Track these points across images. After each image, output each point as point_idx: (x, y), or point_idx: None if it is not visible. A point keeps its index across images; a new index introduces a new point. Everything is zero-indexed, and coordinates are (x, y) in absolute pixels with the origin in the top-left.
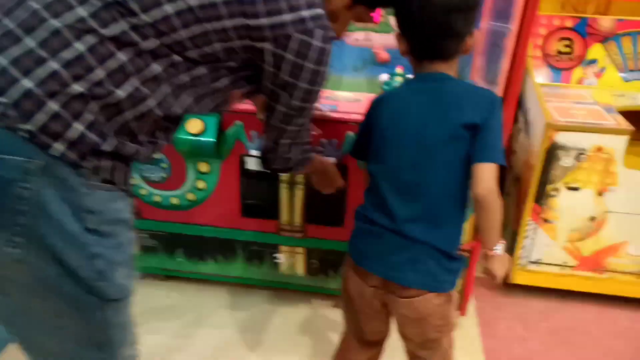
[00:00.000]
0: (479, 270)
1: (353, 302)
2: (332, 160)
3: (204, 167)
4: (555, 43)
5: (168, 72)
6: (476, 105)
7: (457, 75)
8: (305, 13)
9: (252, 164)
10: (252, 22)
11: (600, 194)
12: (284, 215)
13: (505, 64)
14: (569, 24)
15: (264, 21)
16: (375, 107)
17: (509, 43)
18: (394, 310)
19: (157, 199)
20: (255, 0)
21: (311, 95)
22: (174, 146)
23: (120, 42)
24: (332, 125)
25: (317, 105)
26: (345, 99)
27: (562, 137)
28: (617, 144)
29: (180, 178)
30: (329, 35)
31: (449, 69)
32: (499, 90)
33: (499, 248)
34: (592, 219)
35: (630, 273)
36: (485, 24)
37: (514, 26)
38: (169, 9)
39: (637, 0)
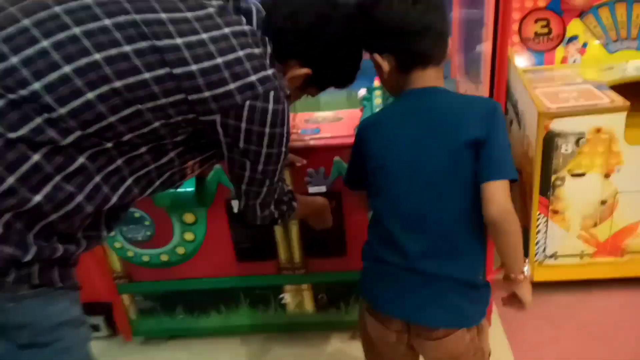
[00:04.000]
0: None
1: (376, 347)
2: (322, 189)
3: (189, 218)
4: (532, 25)
5: (98, 161)
6: (476, 118)
7: (443, 84)
8: (253, 78)
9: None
10: (192, 97)
11: (607, 175)
12: (283, 254)
13: (485, 55)
14: (542, 3)
15: (206, 94)
16: (364, 135)
17: (487, 32)
18: (423, 352)
19: (145, 258)
20: (193, 74)
21: (275, 158)
22: (153, 202)
23: (33, 142)
24: (317, 153)
25: (285, 162)
26: (326, 119)
27: (557, 124)
28: (616, 122)
29: (167, 233)
30: (282, 95)
31: (439, 78)
32: (484, 86)
33: (526, 269)
34: (603, 202)
35: None
36: (457, 13)
37: (489, 12)
38: (90, 96)
39: None
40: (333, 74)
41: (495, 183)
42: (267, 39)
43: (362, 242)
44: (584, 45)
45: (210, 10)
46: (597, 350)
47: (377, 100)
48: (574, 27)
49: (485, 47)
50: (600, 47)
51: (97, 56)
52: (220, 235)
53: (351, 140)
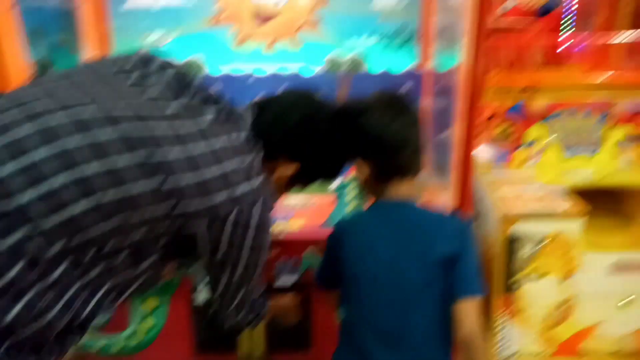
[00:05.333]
0: None
1: None
2: (290, 281)
3: (151, 304)
4: (495, 127)
5: (73, 274)
6: (448, 236)
7: (419, 195)
8: (245, 187)
9: (202, 298)
10: (181, 204)
11: (565, 278)
12: (244, 346)
13: (455, 162)
14: (505, 107)
15: (196, 202)
16: (339, 239)
17: (454, 132)
18: None
19: (100, 345)
20: (181, 188)
21: (255, 268)
22: None
23: (14, 253)
24: (287, 245)
25: (263, 269)
26: (298, 205)
27: (519, 228)
28: (574, 227)
29: (123, 319)
30: (271, 204)
31: (413, 189)
32: (453, 191)
33: None
34: (562, 304)
35: (609, 354)
36: (427, 101)
37: (460, 114)
38: (75, 209)
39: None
40: (320, 168)
41: (467, 302)
42: (257, 141)
43: (328, 337)
44: (543, 148)
45: (207, 119)
46: None
47: (351, 193)
48: (535, 131)
49: (454, 152)
50: (558, 151)
51: (86, 169)
52: (180, 323)
53: (323, 232)
